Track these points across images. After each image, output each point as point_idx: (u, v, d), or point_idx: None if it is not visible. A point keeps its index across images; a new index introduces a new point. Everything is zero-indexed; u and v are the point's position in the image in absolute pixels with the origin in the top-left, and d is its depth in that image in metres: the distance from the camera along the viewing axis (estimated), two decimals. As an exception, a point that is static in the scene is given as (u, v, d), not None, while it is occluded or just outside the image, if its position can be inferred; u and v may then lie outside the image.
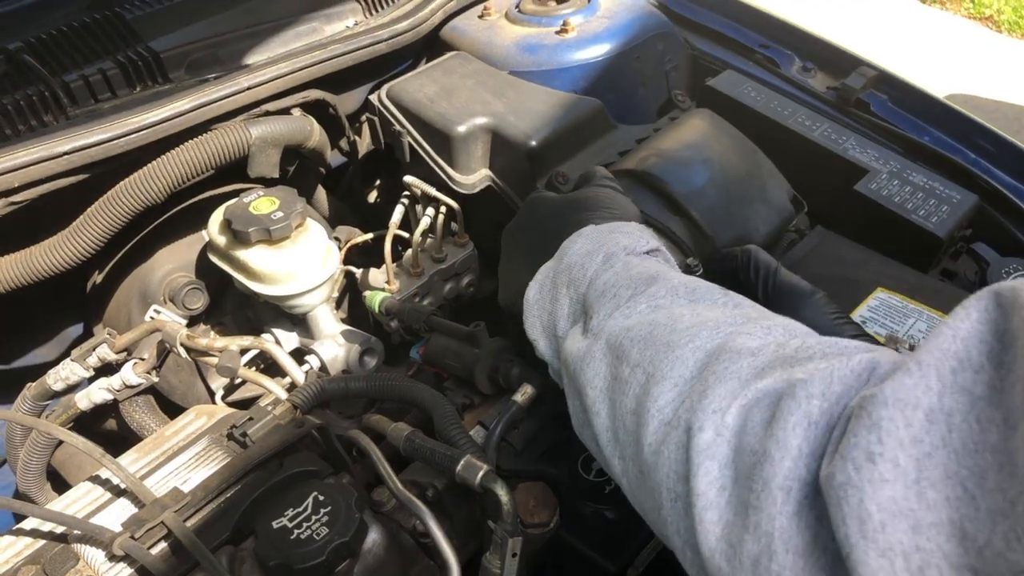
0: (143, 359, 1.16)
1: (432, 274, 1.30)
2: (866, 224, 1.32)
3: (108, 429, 1.28)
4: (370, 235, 1.37)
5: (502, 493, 0.81)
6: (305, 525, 0.81)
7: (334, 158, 1.58)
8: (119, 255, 1.28)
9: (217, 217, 1.20)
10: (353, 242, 1.38)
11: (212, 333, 1.35)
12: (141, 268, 1.29)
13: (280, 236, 1.14)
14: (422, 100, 1.34)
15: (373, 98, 1.38)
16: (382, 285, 1.25)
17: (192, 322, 1.33)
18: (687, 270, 1.14)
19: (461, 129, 1.30)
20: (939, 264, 1.33)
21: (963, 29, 4.46)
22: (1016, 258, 1.28)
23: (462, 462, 0.84)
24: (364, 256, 1.44)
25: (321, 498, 0.83)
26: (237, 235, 1.14)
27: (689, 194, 1.17)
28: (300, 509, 0.82)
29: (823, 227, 1.31)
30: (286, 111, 1.30)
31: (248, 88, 1.21)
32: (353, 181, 1.58)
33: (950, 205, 1.29)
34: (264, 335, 1.25)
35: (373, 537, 0.85)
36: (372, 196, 1.77)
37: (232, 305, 1.38)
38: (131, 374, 1.15)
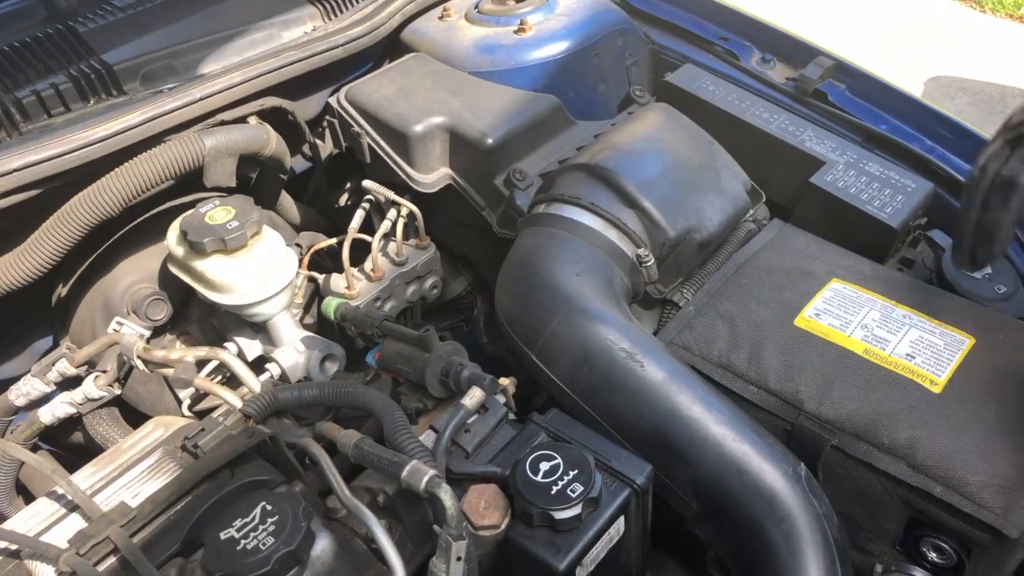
0: (104, 372, 1.17)
1: (393, 277, 1.31)
2: (823, 215, 1.32)
3: (75, 442, 1.29)
4: (333, 240, 1.37)
5: (446, 498, 0.82)
6: (252, 535, 0.81)
7: (298, 163, 1.58)
8: (82, 268, 1.29)
9: (175, 228, 1.20)
10: (316, 248, 1.39)
11: (178, 343, 1.35)
12: (103, 280, 1.30)
13: (235, 245, 1.14)
14: (380, 101, 1.35)
15: (332, 101, 1.39)
16: (342, 291, 1.26)
17: (157, 332, 1.33)
18: (638, 260, 1.14)
19: (418, 128, 1.30)
20: (897, 252, 1.34)
21: (947, 9, 4.45)
22: (972, 244, 1.28)
23: (407, 468, 0.84)
24: (336, 261, 1.44)
25: (269, 508, 0.84)
26: (193, 245, 1.14)
27: (641, 185, 1.17)
28: (248, 519, 0.83)
29: (780, 219, 1.32)
30: (242, 120, 1.30)
31: (201, 99, 1.21)
32: (319, 186, 1.58)
33: (905, 194, 1.30)
34: (227, 344, 1.26)
35: (322, 544, 0.85)
36: (343, 200, 1.77)
37: (197, 314, 1.38)
38: (92, 387, 1.15)
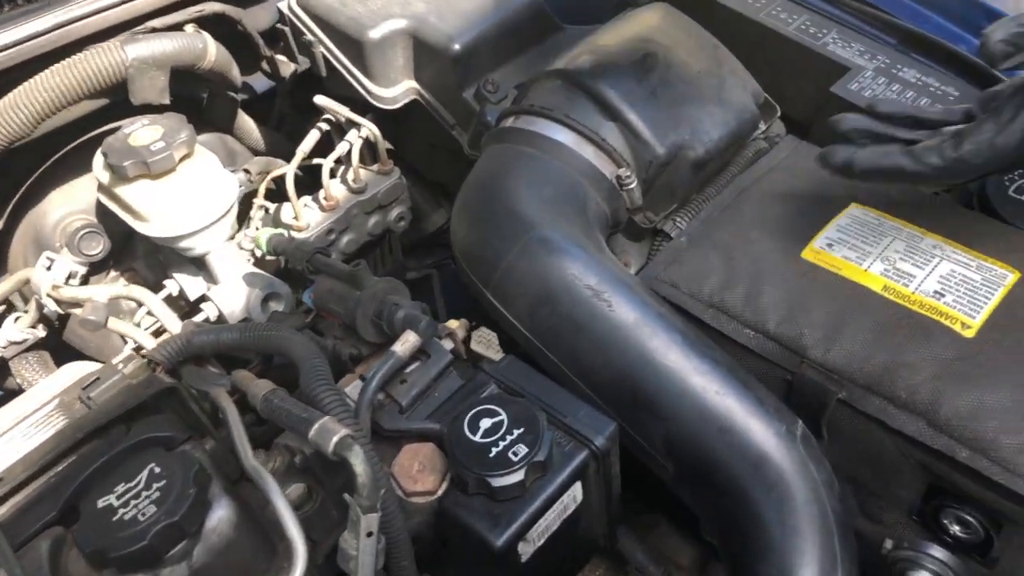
0: (25, 312, 1.05)
1: (350, 207, 1.16)
2: (847, 130, 1.13)
3: (11, 388, 1.19)
4: (290, 165, 1.22)
5: (357, 462, 0.69)
6: (133, 503, 0.70)
7: (261, 82, 1.43)
8: (14, 200, 1.17)
9: (99, 152, 1.07)
10: (273, 175, 1.24)
11: (121, 280, 1.24)
12: (34, 212, 1.18)
13: (160, 169, 1.01)
14: (334, 4, 1.18)
15: (282, 6, 1.23)
16: (290, 221, 1.12)
17: (97, 269, 1.22)
18: (618, 183, 0.98)
19: (375, 34, 1.14)
20: (934, 173, 1.15)
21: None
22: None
23: (315, 426, 0.71)
24: (305, 190, 1.30)
25: (157, 471, 0.72)
26: (114, 169, 1.01)
27: (625, 94, 1.00)
28: (132, 484, 0.71)
29: (795, 136, 1.13)
30: (178, 28, 1.15)
31: (124, 2, 1.06)
32: (282, 107, 1.43)
33: (945, 104, 1.10)
34: (166, 281, 1.13)
35: (220, 514, 0.73)
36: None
37: (144, 249, 1.26)
38: (13, 330, 1.04)
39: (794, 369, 0.87)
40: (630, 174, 0.98)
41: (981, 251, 0.91)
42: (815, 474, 0.78)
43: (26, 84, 1.01)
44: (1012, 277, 0.88)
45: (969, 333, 0.83)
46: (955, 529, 0.83)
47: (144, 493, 0.70)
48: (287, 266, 1.10)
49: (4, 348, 1.06)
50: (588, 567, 1.09)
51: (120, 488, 0.71)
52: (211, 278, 1.12)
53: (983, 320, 0.84)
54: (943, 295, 0.87)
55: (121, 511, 0.69)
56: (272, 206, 1.19)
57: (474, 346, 1.81)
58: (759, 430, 0.79)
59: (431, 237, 1.48)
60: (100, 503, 0.70)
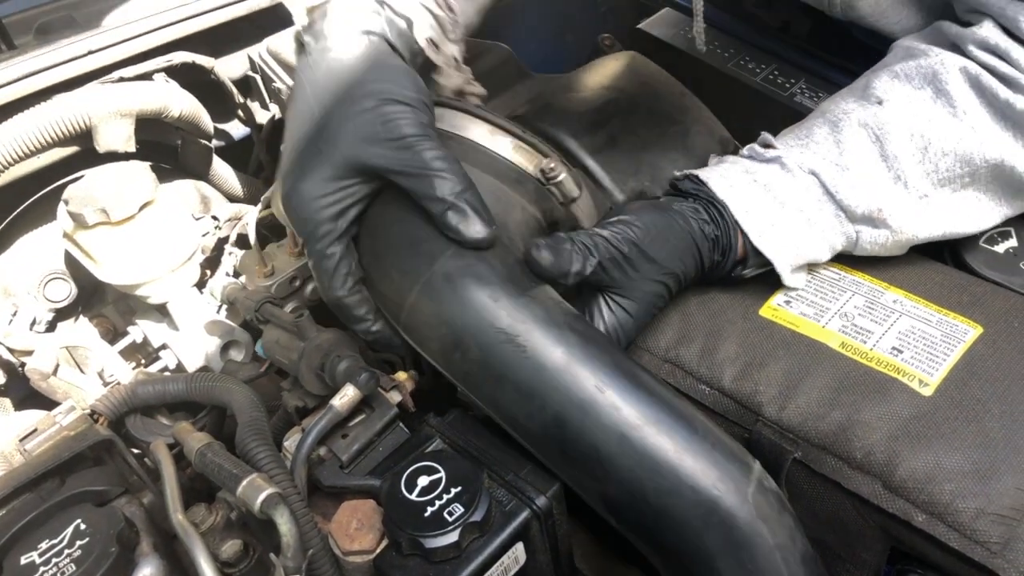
0: (-17, 359, 1.05)
1: (316, 254, 1.15)
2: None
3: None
4: (252, 212, 1.22)
5: (282, 521, 0.67)
6: (54, 561, 0.68)
7: (238, 129, 1.45)
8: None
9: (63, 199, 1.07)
10: (243, 222, 1.24)
11: (87, 326, 1.23)
12: (0, 259, 1.18)
13: (120, 216, 1.01)
14: (303, 56, 1.19)
15: (252, 54, 1.24)
16: (253, 268, 1.11)
17: (65, 315, 1.21)
18: (544, 176, 0.90)
19: (342, 86, 1.14)
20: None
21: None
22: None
23: (244, 483, 0.69)
24: (278, 237, 1.29)
25: (83, 527, 0.70)
26: (74, 217, 1.01)
27: (583, 142, 1.00)
28: (55, 541, 0.70)
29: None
30: (148, 76, 1.16)
31: (90, 53, 1.07)
32: (260, 154, 1.43)
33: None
34: (130, 328, 1.13)
35: (145, 572, 0.71)
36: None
37: (113, 295, 1.25)
38: (-30, 376, 1.04)
39: (750, 427, 0.85)
40: (555, 165, 0.86)
41: (944, 305, 0.89)
42: (770, 539, 0.71)
43: (-12, 131, 1.02)
44: (974, 333, 0.86)
45: (927, 391, 0.81)
46: (918, 595, 0.80)
47: (67, 551, 0.69)
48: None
49: (-38, 395, 1.05)
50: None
51: (44, 545, 0.69)
52: (173, 325, 1.11)
53: (942, 378, 0.82)
54: (901, 351, 0.84)
55: (42, 568, 0.68)
56: (240, 253, 1.19)
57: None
58: (709, 493, 0.71)
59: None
60: (23, 560, 0.69)
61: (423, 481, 0.74)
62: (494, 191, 0.83)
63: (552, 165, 0.85)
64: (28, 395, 1.18)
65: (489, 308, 0.76)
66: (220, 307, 1.15)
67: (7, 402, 1.14)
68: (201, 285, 1.17)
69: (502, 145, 0.85)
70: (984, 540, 0.71)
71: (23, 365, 1.08)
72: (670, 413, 0.74)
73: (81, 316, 1.25)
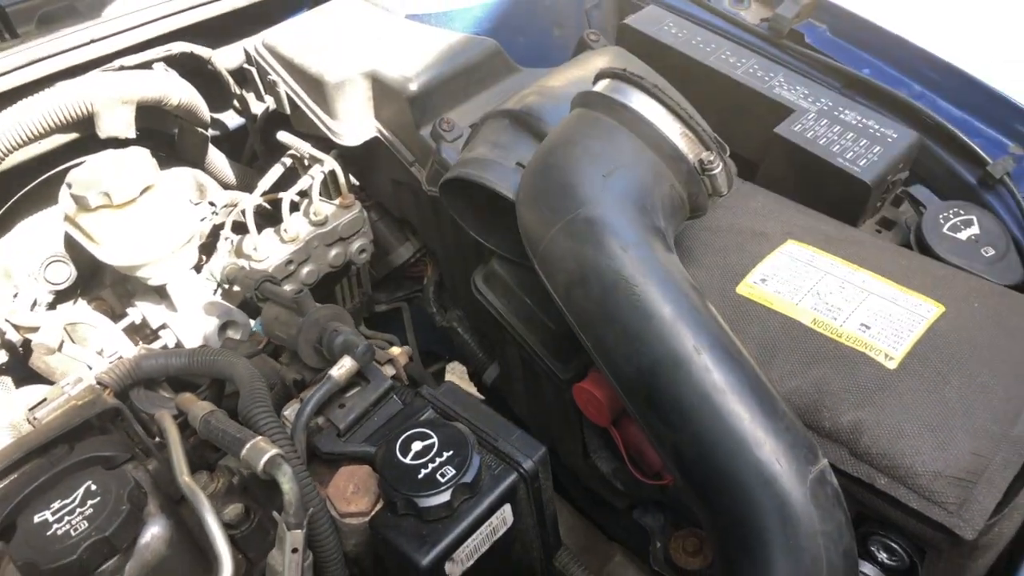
0: (-13, 338, 1.08)
1: (311, 239, 1.19)
2: (790, 169, 1.17)
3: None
4: (250, 198, 1.26)
5: (284, 480, 0.71)
6: (67, 519, 0.72)
7: (233, 119, 1.48)
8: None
9: (65, 183, 1.10)
10: (239, 208, 1.28)
11: (86, 308, 1.26)
12: (2, 242, 1.21)
13: (121, 199, 1.04)
14: (298, 46, 1.23)
15: (248, 46, 1.27)
16: (250, 252, 1.15)
17: (64, 297, 1.24)
18: (700, 167, 0.91)
19: (336, 76, 1.18)
20: (876, 212, 1.19)
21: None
22: (957, 201, 1.12)
23: (247, 446, 0.73)
24: (272, 223, 1.32)
25: (93, 488, 0.74)
26: (77, 200, 1.05)
27: None
28: (68, 501, 0.73)
29: (739, 178, 1.17)
30: (147, 65, 1.19)
31: (92, 41, 1.11)
32: (254, 144, 1.47)
33: (884, 145, 1.14)
34: (129, 309, 1.16)
35: (154, 531, 0.75)
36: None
37: (111, 279, 1.29)
38: (-26, 354, 1.07)
39: (725, 399, 0.89)
40: (714, 158, 0.90)
41: (910, 286, 0.94)
42: (818, 524, 0.72)
43: (-3, 116, 1.05)
44: (936, 311, 0.91)
45: (892, 365, 0.86)
46: (882, 556, 0.85)
47: (78, 510, 0.72)
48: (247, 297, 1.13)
49: (-34, 373, 1.08)
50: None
51: (56, 504, 0.73)
52: (172, 306, 1.15)
53: (906, 352, 0.87)
54: (869, 328, 0.89)
55: (55, 526, 0.71)
56: (236, 238, 1.22)
57: (448, 378, 1.83)
58: (772, 467, 0.73)
59: (399, 270, 1.51)
60: (36, 518, 0.72)
61: (417, 446, 0.78)
62: (651, 163, 0.90)
63: (711, 159, 0.89)
64: (27, 376, 1.22)
65: (617, 256, 0.82)
66: (217, 289, 1.18)
67: (8, 380, 1.17)
68: (197, 269, 1.21)
69: (671, 128, 0.90)
70: (941, 501, 0.76)
71: (24, 344, 1.12)
72: (755, 389, 0.77)
73: (80, 299, 1.28)
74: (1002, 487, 0.77)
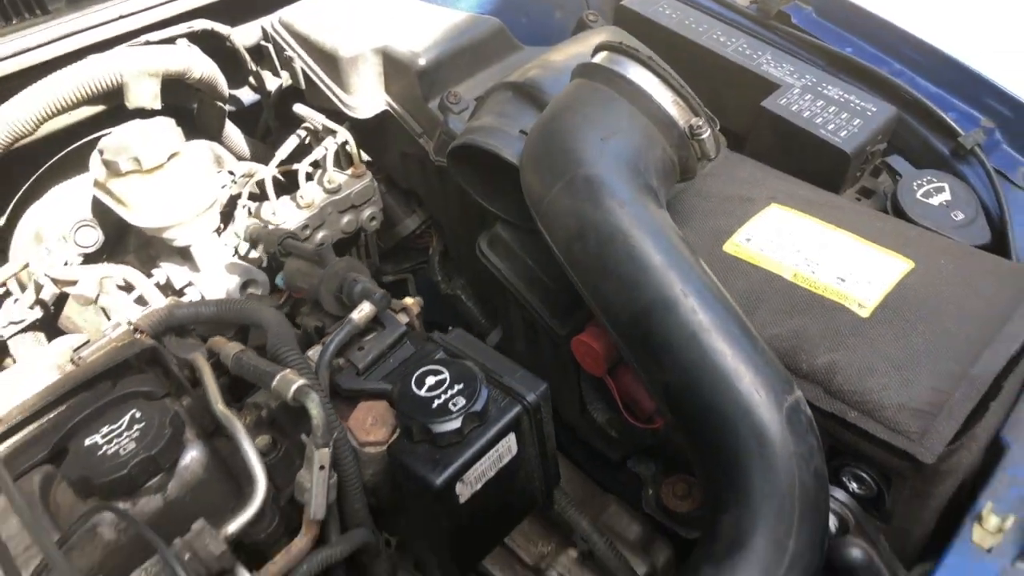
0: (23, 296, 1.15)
1: (325, 206, 1.27)
2: (775, 141, 1.25)
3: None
4: (268, 167, 1.33)
5: (312, 406, 0.79)
6: (116, 441, 0.79)
7: (248, 95, 1.55)
8: (16, 196, 1.28)
9: (96, 150, 1.18)
10: (256, 177, 1.35)
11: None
12: (34, 207, 1.28)
13: (150, 165, 1.12)
14: (313, 24, 1.30)
15: (265, 24, 1.35)
16: (268, 217, 1.23)
17: (91, 260, 1.32)
18: (690, 132, 1.00)
19: (349, 51, 1.26)
20: (856, 181, 1.27)
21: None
22: (930, 170, 1.20)
23: (278, 377, 0.81)
24: (286, 193, 1.40)
25: (138, 415, 0.82)
26: (108, 165, 1.12)
27: None
28: (115, 426, 0.81)
29: (727, 149, 1.25)
30: (171, 41, 1.26)
31: (121, 17, 1.18)
32: (268, 119, 1.54)
33: (864, 119, 1.22)
34: (154, 271, 1.24)
35: (193, 455, 0.83)
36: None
37: (135, 244, 1.36)
38: (12, 310, 1.14)
39: (712, 346, 0.97)
40: (703, 123, 0.97)
41: (883, 245, 1.02)
42: (792, 446, 0.79)
43: (30, 88, 1.12)
44: (907, 267, 0.99)
45: (864, 313, 0.94)
46: (853, 486, 0.93)
47: (126, 433, 0.80)
48: (266, 257, 1.20)
49: (3, 328, 1.16)
50: (540, 541, 1.18)
51: (105, 429, 0.81)
52: (195, 267, 1.23)
53: (877, 302, 0.95)
54: (844, 280, 0.97)
55: (105, 447, 0.79)
56: (254, 206, 1.30)
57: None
58: (751, 398, 0.80)
59: (406, 241, 1.58)
60: (87, 441, 0.80)
61: (430, 380, 0.86)
62: (644, 128, 0.97)
63: (700, 124, 0.97)
64: (56, 334, 1.29)
65: (614, 211, 0.90)
66: (236, 250, 1.26)
67: (42, 336, 1.24)
68: (218, 235, 1.29)
69: (663, 96, 0.97)
70: (905, 430, 0.84)
71: (56, 302, 1.19)
72: (737, 329, 0.84)
73: (105, 262, 1.35)
74: (960, 418, 0.85)
